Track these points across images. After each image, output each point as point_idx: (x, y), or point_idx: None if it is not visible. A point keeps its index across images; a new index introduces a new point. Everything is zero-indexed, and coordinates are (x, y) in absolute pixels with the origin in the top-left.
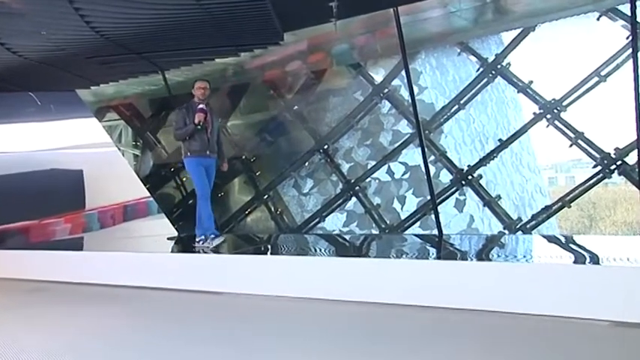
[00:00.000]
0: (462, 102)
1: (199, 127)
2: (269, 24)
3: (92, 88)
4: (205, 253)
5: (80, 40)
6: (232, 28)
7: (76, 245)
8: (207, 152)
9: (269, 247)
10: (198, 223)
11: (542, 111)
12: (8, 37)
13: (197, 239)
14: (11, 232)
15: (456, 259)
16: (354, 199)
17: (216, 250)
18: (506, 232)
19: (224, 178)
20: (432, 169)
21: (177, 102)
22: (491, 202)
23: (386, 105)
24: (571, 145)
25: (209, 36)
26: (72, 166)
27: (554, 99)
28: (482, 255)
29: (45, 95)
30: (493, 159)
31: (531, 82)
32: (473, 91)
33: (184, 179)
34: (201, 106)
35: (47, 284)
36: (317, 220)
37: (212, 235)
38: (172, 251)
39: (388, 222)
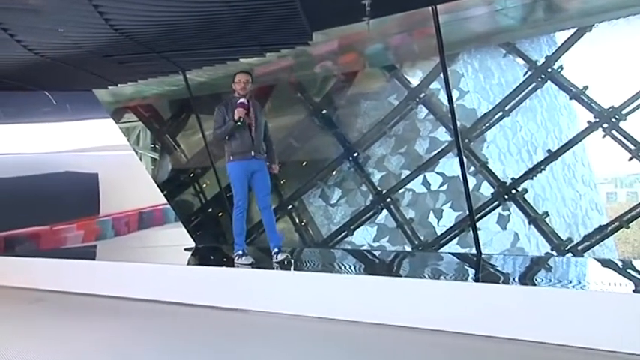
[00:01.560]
0: (507, 108)
1: (239, 123)
2: (297, 23)
3: (110, 87)
4: (251, 264)
5: (98, 38)
6: (258, 27)
7: (88, 254)
8: (252, 153)
9: (292, 261)
10: (236, 237)
11: (597, 120)
12: (24, 34)
13: (234, 254)
14: (21, 238)
15: (495, 282)
16: (385, 211)
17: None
18: (554, 253)
19: None
20: (472, 181)
21: (199, 103)
22: (537, 220)
23: (423, 110)
24: (631, 159)
25: (233, 35)
26: (87, 170)
27: (612, 107)
28: (526, 278)
29: (61, 94)
30: (541, 171)
31: (586, 87)
32: (520, 96)
33: (204, 186)
34: (241, 100)
35: (53, 294)
36: (344, 233)
37: (240, 251)
38: (189, 263)
39: (422, 238)
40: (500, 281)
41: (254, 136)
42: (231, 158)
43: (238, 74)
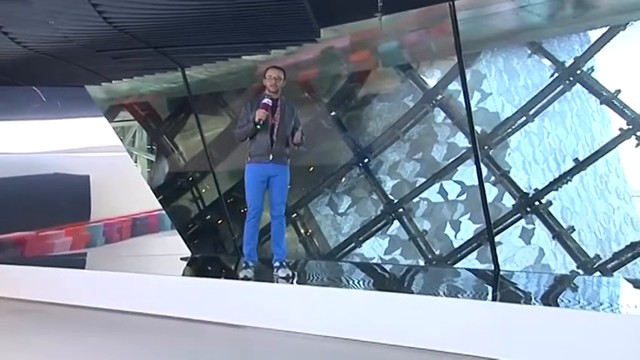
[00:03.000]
0: (533, 112)
1: (259, 126)
2: (303, 18)
3: (103, 84)
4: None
5: (91, 31)
6: (262, 22)
7: (77, 262)
8: (270, 157)
9: (295, 274)
10: (244, 246)
11: (631, 127)
12: (12, 25)
13: (243, 264)
14: (4, 243)
15: (513, 302)
16: (397, 222)
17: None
18: (581, 271)
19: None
20: (494, 191)
21: (199, 103)
22: (562, 234)
23: (440, 113)
24: None
25: (235, 30)
26: (77, 172)
27: None
28: (549, 299)
29: (51, 91)
30: (568, 182)
31: (618, 91)
32: (547, 99)
33: (203, 191)
34: (265, 100)
35: (37, 305)
36: (353, 245)
37: (249, 262)
38: (184, 274)
39: (437, 252)
40: (520, 301)
41: (275, 139)
42: (248, 159)
43: (269, 70)
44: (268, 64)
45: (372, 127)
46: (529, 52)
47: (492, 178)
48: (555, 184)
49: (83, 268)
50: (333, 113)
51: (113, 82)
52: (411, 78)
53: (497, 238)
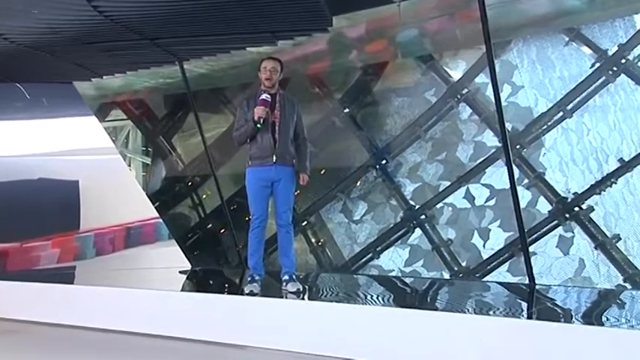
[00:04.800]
0: (570, 106)
1: (259, 125)
2: (314, 5)
3: (93, 80)
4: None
5: (79, 21)
6: (268, 11)
7: (65, 276)
8: (274, 159)
9: (306, 288)
10: (248, 259)
11: None
12: None
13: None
14: None
15: (552, 320)
16: (419, 230)
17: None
18: (628, 285)
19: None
20: (527, 196)
21: (199, 99)
22: (605, 244)
23: (466, 109)
24: None
25: (239, 20)
26: (65, 176)
27: None
28: (592, 317)
29: (36, 87)
30: (612, 184)
31: None
32: (587, 92)
33: (204, 197)
34: (263, 96)
35: (23, 325)
36: (370, 255)
37: (255, 275)
38: (184, 289)
39: (464, 263)
40: (559, 319)
41: (278, 138)
42: (249, 163)
43: (264, 61)
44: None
45: (390, 124)
46: (566, 39)
47: (525, 180)
48: (597, 188)
49: (72, 283)
50: (346, 110)
51: (104, 77)
52: (434, 70)
53: (531, 248)
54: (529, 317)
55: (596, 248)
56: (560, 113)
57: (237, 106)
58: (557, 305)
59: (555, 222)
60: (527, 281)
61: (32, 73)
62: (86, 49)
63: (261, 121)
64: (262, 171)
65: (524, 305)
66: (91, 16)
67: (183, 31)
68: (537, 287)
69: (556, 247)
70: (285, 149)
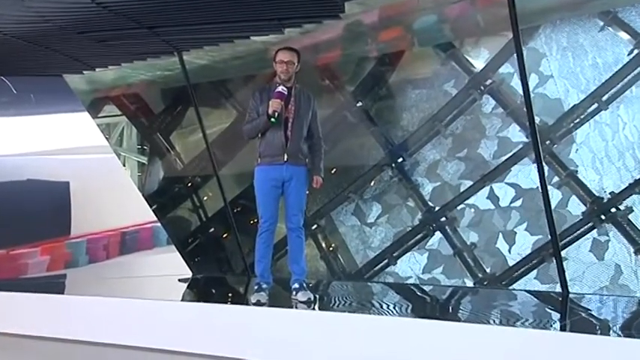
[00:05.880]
0: (605, 98)
1: (274, 120)
2: None
3: (85, 73)
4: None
5: (71, 9)
6: None
7: (56, 286)
8: (285, 157)
9: (318, 298)
10: (255, 265)
11: None
12: None
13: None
14: None
15: (588, 332)
16: (438, 234)
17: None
18: None
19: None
20: (557, 196)
21: (199, 92)
22: None
23: (489, 102)
24: None
25: (242, 6)
26: (55, 177)
27: None
28: (631, 328)
29: (23, 81)
30: None
31: None
32: (623, 82)
33: (205, 199)
34: (279, 88)
35: (9, 339)
36: (385, 261)
37: (262, 283)
38: (184, 299)
39: (488, 269)
40: (596, 331)
41: (290, 135)
42: (258, 161)
43: (280, 52)
44: (280, 46)
45: (407, 119)
46: (600, 24)
47: (555, 179)
48: (636, 187)
49: (62, 293)
50: (359, 104)
51: (97, 70)
52: (454, 59)
53: (562, 253)
54: (562, 329)
55: (635, 253)
56: (594, 105)
57: (244, 99)
58: (593, 316)
59: (589, 224)
60: (558, 289)
61: (19, 65)
62: (78, 39)
63: (276, 115)
64: (272, 170)
65: (556, 316)
66: (84, 4)
67: (182, 19)
68: (571, 296)
69: (589, 251)
70: (297, 148)
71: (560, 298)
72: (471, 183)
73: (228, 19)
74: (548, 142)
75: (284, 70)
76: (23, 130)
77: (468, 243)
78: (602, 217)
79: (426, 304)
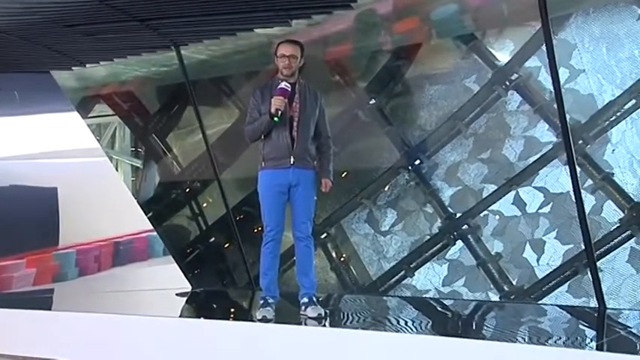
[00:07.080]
0: None
1: (277, 119)
2: None
3: (75, 69)
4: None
5: (58, 1)
6: None
7: (42, 301)
8: (292, 160)
9: (328, 313)
10: (261, 278)
11: None
12: None
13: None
14: None
15: (628, 352)
16: (460, 243)
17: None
18: None
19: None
20: (590, 201)
21: (198, 90)
22: None
23: (515, 98)
24: None
25: None
26: (42, 183)
27: None
28: None
29: (7, 78)
30: None
31: None
32: None
33: (205, 205)
34: (282, 85)
35: None
36: (402, 273)
37: (268, 297)
38: (183, 315)
39: (515, 282)
40: (637, 351)
41: (296, 136)
42: (262, 164)
43: (281, 46)
44: (283, 39)
45: (424, 118)
46: (638, 12)
47: (588, 182)
48: None
49: (50, 309)
50: (372, 101)
51: (87, 66)
52: (476, 52)
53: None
54: (599, 348)
55: None
56: (632, 102)
57: (242, 98)
58: (633, 334)
59: (627, 232)
60: (593, 304)
61: (2, 61)
62: (66, 32)
63: (279, 113)
64: (278, 174)
65: (591, 333)
66: None
67: (180, 11)
68: (608, 312)
69: (626, 262)
70: (304, 149)
71: (596, 314)
72: (495, 187)
73: (229, 11)
74: (580, 142)
75: (286, 64)
76: (6, 131)
77: (493, 253)
78: None
79: (446, 320)
